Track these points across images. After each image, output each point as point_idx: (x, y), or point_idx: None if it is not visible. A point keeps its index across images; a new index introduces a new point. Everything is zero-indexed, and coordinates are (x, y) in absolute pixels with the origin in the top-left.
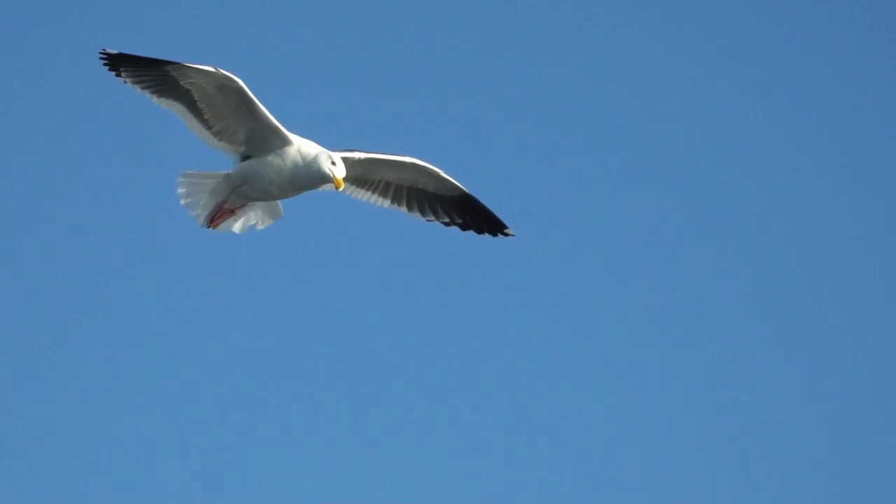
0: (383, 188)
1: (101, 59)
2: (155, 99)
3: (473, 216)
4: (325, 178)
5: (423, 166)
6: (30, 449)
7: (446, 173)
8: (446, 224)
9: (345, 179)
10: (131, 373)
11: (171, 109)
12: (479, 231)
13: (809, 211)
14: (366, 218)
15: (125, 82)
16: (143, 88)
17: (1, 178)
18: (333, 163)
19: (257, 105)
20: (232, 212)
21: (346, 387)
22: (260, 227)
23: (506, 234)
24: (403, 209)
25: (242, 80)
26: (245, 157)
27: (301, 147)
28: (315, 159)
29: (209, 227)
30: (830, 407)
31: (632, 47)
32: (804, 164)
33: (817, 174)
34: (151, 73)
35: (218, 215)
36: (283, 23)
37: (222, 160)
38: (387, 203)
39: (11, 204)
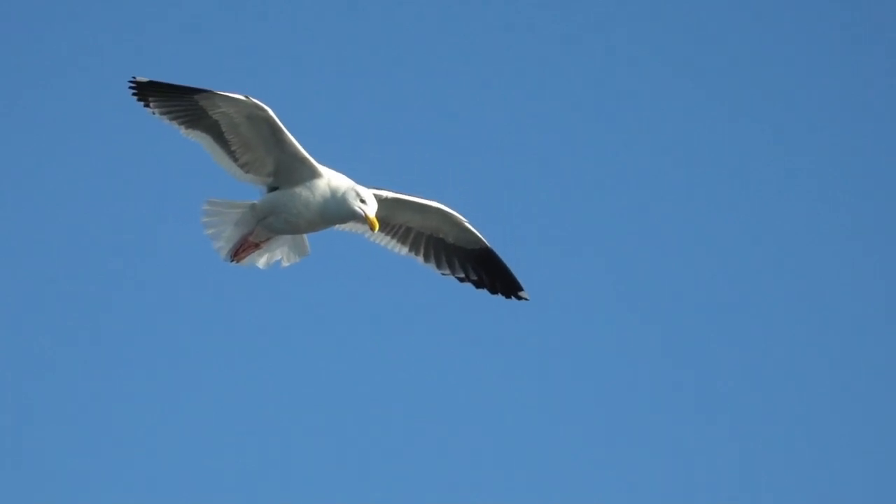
0: (403, 233)
1: (131, 87)
2: (183, 130)
3: (490, 273)
4: (356, 216)
5: (449, 213)
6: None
7: (470, 224)
8: (461, 280)
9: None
10: (127, 377)
11: (199, 141)
12: (493, 291)
13: (813, 212)
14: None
15: (153, 113)
16: (171, 119)
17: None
18: (363, 200)
19: (286, 135)
20: (257, 245)
21: (344, 399)
22: (285, 263)
23: (519, 298)
24: (420, 259)
25: (272, 108)
26: (272, 188)
27: (331, 180)
28: (345, 195)
29: (233, 261)
30: (843, 407)
31: (633, 50)
32: (805, 166)
33: (817, 175)
34: (180, 103)
35: (242, 248)
36: (281, 27)
37: (245, 189)
38: (404, 250)
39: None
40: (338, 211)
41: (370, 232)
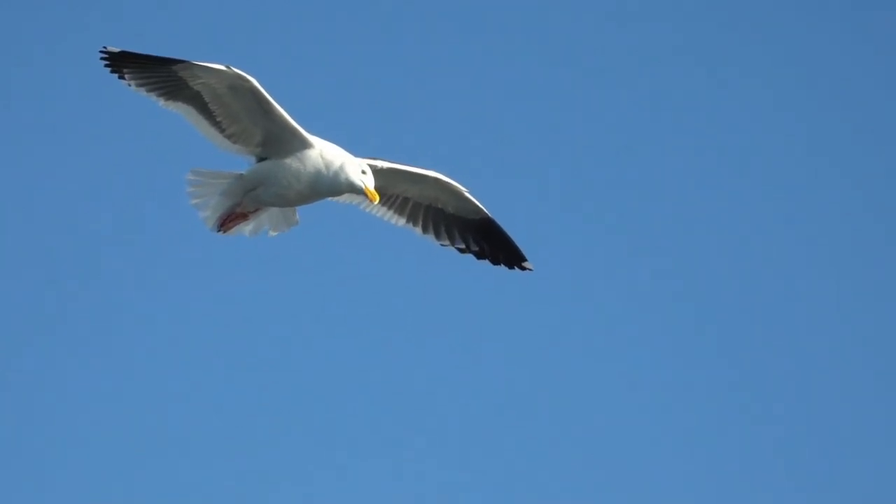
0: (400, 204)
1: (102, 58)
2: (162, 102)
3: (492, 244)
4: (353, 188)
5: (447, 182)
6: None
7: (470, 193)
8: (461, 250)
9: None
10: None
11: (180, 112)
12: (496, 261)
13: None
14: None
15: (129, 85)
16: (149, 91)
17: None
18: (363, 171)
19: (273, 105)
20: (245, 216)
21: (341, 395)
22: (273, 233)
23: (523, 268)
24: (418, 230)
25: (256, 78)
26: (261, 159)
27: (323, 151)
28: (342, 167)
29: (220, 231)
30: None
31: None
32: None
33: (822, 172)
34: (157, 73)
35: (230, 219)
36: (281, 19)
37: (229, 159)
38: (402, 221)
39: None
40: (331, 184)
41: (367, 203)
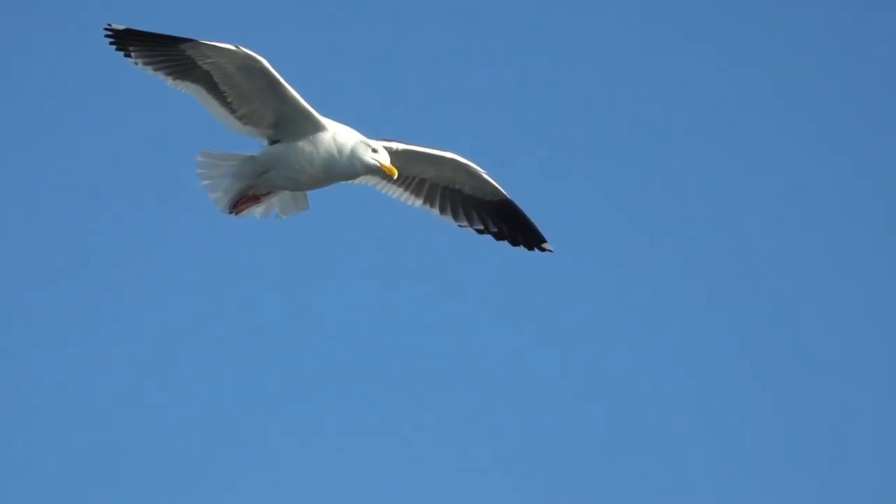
0: (417, 185)
1: (107, 36)
2: (170, 82)
3: (511, 225)
4: (369, 169)
5: (466, 164)
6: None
7: (488, 174)
8: (480, 231)
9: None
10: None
11: (189, 92)
12: (515, 243)
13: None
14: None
15: (135, 63)
16: (157, 70)
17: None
18: (374, 150)
19: (284, 87)
20: (257, 198)
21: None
22: (282, 216)
23: (543, 250)
24: (435, 211)
25: (267, 59)
26: (273, 142)
27: (337, 135)
28: (354, 150)
29: (231, 212)
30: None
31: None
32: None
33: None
34: (165, 52)
35: (242, 201)
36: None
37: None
38: (419, 202)
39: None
40: (346, 168)
41: (383, 183)
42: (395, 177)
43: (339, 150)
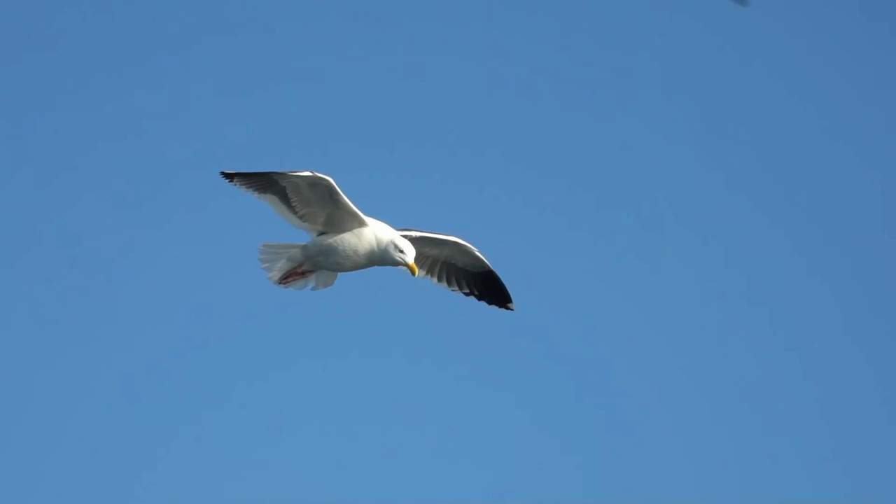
0: (423, 260)
1: (221, 176)
2: (256, 196)
3: (486, 289)
4: (396, 264)
5: (463, 245)
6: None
7: (480, 253)
8: (466, 294)
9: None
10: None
11: (269, 203)
12: (489, 303)
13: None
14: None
15: (236, 186)
16: (248, 189)
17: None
18: (402, 251)
19: (342, 196)
20: (303, 274)
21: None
22: (315, 289)
23: (508, 308)
24: (434, 280)
25: (332, 177)
26: (321, 233)
27: (377, 232)
28: (386, 248)
29: (280, 284)
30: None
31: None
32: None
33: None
34: (259, 179)
35: (291, 276)
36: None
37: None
38: (422, 274)
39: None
40: (382, 259)
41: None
42: (417, 275)
43: (378, 244)
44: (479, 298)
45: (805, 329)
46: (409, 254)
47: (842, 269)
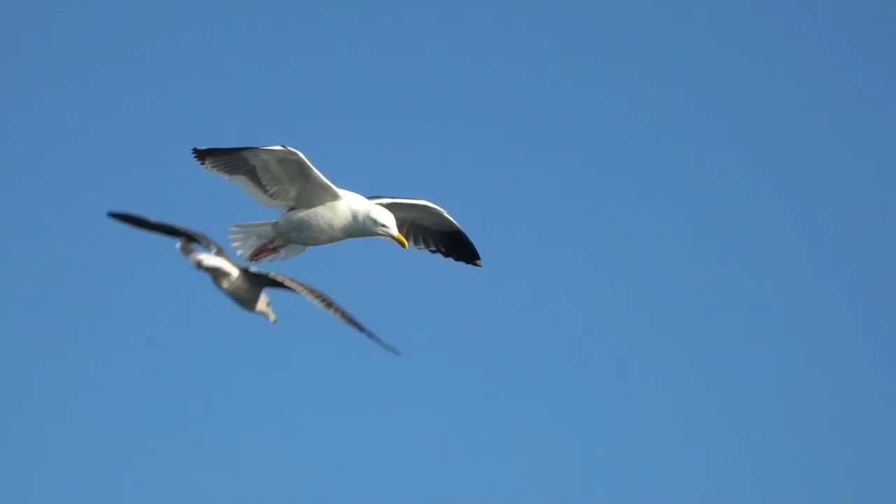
0: None
1: (193, 154)
2: (227, 177)
3: (454, 247)
4: (377, 236)
5: (431, 207)
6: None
7: (448, 213)
8: (432, 251)
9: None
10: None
11: (239, 183)
12: (457, 259)
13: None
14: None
15: (206, 168)
16: (219, 171)
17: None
18: (384, 224)
19: (313, 171)
20: (275, 250)
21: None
22: (285, 257)
23: (475, 264)
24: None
25: (302, 151)
26: (291, 209)
27: (351, 203)
28: (365, 221)
29: (251, 260)
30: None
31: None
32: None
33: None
34: (229, 157)
35: (262, 252)
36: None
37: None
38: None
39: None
40: (360, 231)
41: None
42: (407, 247)
43: (355, 217)
44: (445, 255)
45: (804, 328)
46: (392, 225)
47: (842, 270)
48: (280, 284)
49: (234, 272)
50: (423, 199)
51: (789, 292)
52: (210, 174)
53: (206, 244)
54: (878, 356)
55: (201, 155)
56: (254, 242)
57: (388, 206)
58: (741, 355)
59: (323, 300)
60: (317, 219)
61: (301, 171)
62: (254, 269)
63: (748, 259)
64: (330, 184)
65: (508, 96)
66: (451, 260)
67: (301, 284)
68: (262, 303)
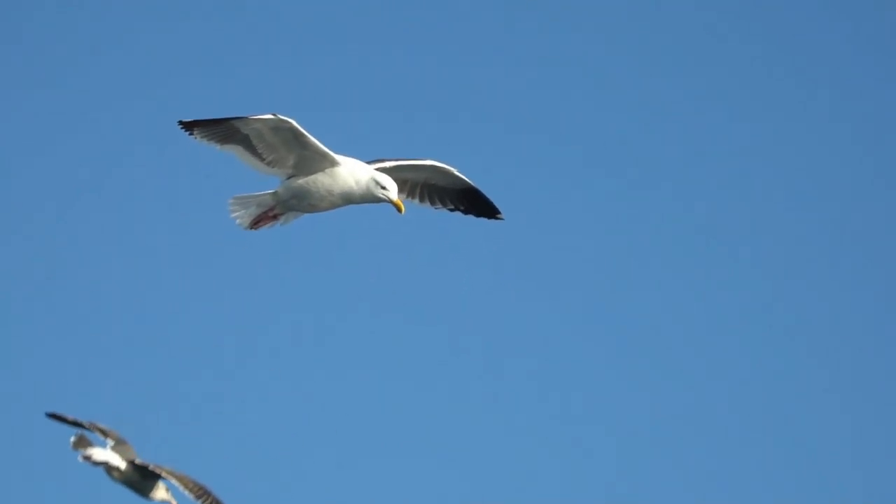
0: (401, 185)
1: (179, 126)
2: (218, 147)
3: (472, 204)
4: (379, 201)
5: (441, 166)
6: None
7: (458, 171)
8: (451, 210)
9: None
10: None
11: (233, 153)
12: (477, 215)
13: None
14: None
15: (195, 139)
16: (210, 141)
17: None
18: (385, 187)
19: (308, 137)
20: (275, 217)
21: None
22: (283, 223)
23: (497, 218)
24: (416, 201)
25: (295, 119)
26: (290, 177)
27: (352, 170)
28: (368, 185)
29: (251, 228)
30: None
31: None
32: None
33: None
34: (218, 128)
35: (262, 220)
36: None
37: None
38: (403, 197)
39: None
40: (362, 197)
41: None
42: (403, 212)
43: (357, 182)
44: (466, 213)
45: (805, 328)
46: (392, 189)
47: (842, 270)
48: (158, 476)
49: (123, 464)
50: (429, 159)
51: (789, 292)
52: (202, 145)
53: (105, 437)
54: (878, 356)
55: (188, 126)
56: (253, 211)
57: (394, 169)
58: (741, 355)
59: (199, 493)
60: (316, 185)
61: (296, 138)
62: (138, 461)
63: (748, 258)
64: (327, 150)
65: (509, 92)
66: (471, 217)
67: (179, 476)
68: (161, 490)
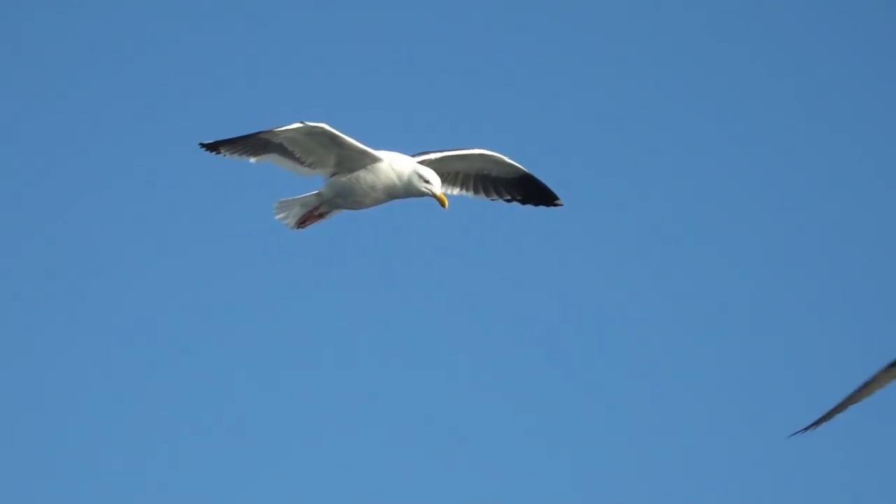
0: (453, 178)
1: (201, 147)
2: (253, 160)
3: (529, 192)
4: (422, 195)
5: (491, 154)
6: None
7: (510, 159)
8: (508, 201)
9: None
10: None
11: (270, 162)
12: (536, 204)
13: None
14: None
15: (226, 157)
16: (241, 156)
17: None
18: (427, 181)
19: (344, 138)
20: (321, 216)
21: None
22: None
23: (556, 205)
24: (470, 194)
25: (327, 123)
26: (333, 174)
27: (393, 163)
28: (410, 179)
29: (298, 228)
30: None
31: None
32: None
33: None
34: (247, 143)
35: (308, 219)
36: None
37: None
38: (456, 191)
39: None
40: (406, 191)
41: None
42: (447, 206)
43: (399, 177)
44: (524, 203)
45: (803, 328)
46: (436, 183)
47: (843, 269)
48: None
49: None
50: (477, 148)
51: (788, 292)
52: (232, 160)
53: None
54: (878, 356)
55: (212, 147)
56: (298, 211)
57: (440, 161)
58: (740, 355)
59: None
60: (360, 182)
61: (332, 140)
62: None
63: (747, 259)
64: (365, 147)
65: (509, 92)
66: (529, 206)
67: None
68: None
